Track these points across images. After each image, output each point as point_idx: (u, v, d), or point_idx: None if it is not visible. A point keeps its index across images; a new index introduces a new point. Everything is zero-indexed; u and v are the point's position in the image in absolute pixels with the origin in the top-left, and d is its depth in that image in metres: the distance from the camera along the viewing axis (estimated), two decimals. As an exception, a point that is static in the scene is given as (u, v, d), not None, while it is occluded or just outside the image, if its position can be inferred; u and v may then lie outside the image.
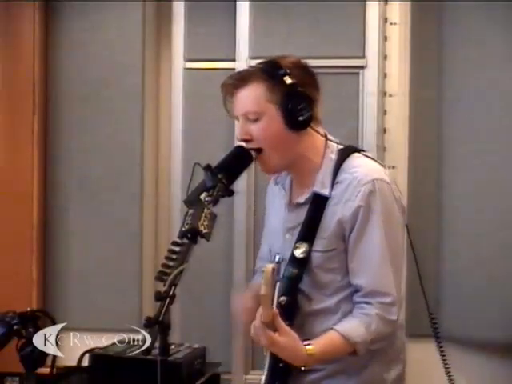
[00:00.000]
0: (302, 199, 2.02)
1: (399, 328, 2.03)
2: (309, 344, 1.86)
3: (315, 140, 2.01)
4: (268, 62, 2.00)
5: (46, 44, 3.29)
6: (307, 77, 1.98)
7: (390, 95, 3.15)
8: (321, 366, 1.95)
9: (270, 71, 1.94)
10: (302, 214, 2.00)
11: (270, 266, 1.77)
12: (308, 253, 1.95)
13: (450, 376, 2.23)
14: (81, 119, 3.27)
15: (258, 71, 1.96)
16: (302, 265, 1.96)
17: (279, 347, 1.83)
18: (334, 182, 1.96)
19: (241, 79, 1.96)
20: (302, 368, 1.88)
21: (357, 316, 1.92)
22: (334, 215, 1.94)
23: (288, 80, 1.92)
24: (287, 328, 1.83)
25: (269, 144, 1.95)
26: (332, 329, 1.91)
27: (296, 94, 1.92)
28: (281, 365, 1.92)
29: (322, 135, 2.02)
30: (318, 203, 1.97)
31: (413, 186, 3.18)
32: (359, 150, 2.06)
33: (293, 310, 1.95)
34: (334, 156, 2.00)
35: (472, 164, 3.02)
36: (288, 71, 1.93)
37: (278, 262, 2.00)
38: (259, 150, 1.97)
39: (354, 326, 1.90)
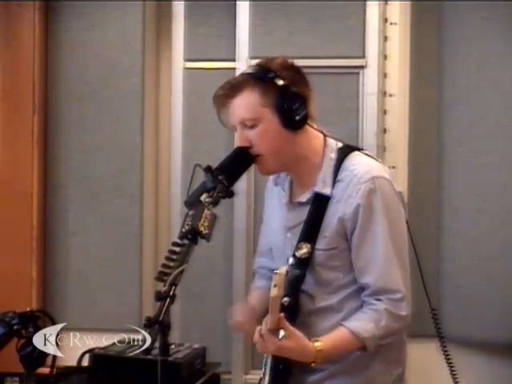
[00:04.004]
0: (303, 198, 2.02)
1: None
2: (317, 341, 1.87)
3: (313, 138, 2.02)
4: (256, 66, 2.00)
5: (46, 44, 3.29)
6: (297, 76, 1.98)
7: (390, 95, 3.15)
8: (323, 367, 1.96)
9: (260, 76, 1.95)
10: (303, 213, 2.00)
11: (284, 269, 1.77)
12: (310, 253, 1.95)
13: (453, 371, 2.23)
14: (81, 119, 3.27)
15: (249, 77, 1.96)
16: (304, 265, 1.96)
17: (287, 351, 1.85)
18: (334, 181, 1.97)
19: (232, 88, 1.96)
20: (312, 364, 1.88)
21: (366, 312, 1.93)
22: (335, 213, 1.95)
23: (279, 82, 1.92)
24: (292, 329, 1.84)
25: (269, 148, 1.96)
26: (341, 325, 1.91)
27: (289, 94, 1.93)
28: (281, 366, 1.93)
29: (319, 132, 2.03)
30: (320, 203, 1.97)
31: (413, 186, 3.18)
32: (358, 149, 2.07)
33: (295, 310, 1.95)
34: (333, 155, 2.01)
35: (472, 164, 3.02)
36: (278, 73, 1.93)
37: (292, 265, 2.00)
38: (259, 154, 1.97)
39: (362, 322, 1.90)
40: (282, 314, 1.82)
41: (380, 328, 1.89)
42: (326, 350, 1.86)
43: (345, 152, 2.02)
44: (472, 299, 3.00)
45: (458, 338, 3.01)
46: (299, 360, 1.89)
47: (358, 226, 1.93)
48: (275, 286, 1.75)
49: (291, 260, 1.99)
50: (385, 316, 1.90)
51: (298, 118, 1.93)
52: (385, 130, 3.14)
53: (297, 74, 1.98)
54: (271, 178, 2.19)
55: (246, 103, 1.95)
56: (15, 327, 2.04)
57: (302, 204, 2.02)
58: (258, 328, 1.85)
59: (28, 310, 2.11)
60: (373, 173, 1.95)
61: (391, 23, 3.15)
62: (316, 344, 1.86)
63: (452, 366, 2.22)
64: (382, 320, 1.90)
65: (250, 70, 2.01)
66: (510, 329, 2.93)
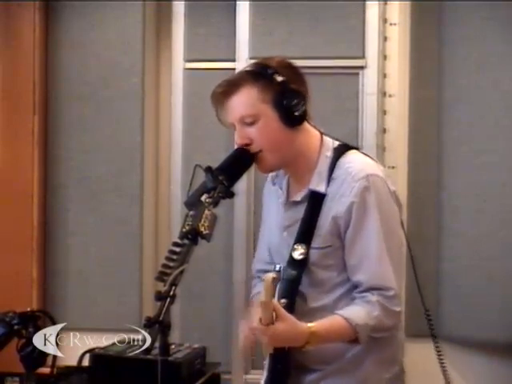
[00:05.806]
0: (298, 197, 2.02)
1: (398, 327, 2.03)
2: (310, 322, 1.85)
3: (310, 136, 2.02)
4: (254, 64, 2.01)
5: (46, 44, 3.29)
6: (295, 74, 1.99)
7: (390, 95, 3.15)
8: (319, 367, 1.97)
9: (259, 72, 1.95)
10: (299, 212, 2.00)
11: (271, 276, 1.76)
12: (306, 254, 1.96)
13: (445, 373, 2.23)
14: (81, 119, 3.27)
15: (247, 74, 1.97)
16: (300, 266, 1.96)
17: (280, 335, 1.81)
18: (329, 179, 1.97)
19: (231, 85, 1.96)
20: (306, 346, 1.85)
21: (358, 303, 1.92)
22: (329, 212, 1.95)
23: (279, 78, 1.93)
24: (284, 311, 1.82)
25: (269, 144, 1.96)
26: (334, 314, 1.91)
27: (289, 90, 1.93)
28: (279, 367, 1.94)
29: (316, 130, 2.04)
30: (315, 201, 1.98)
31: (413, 186, 3.18)
32: (355, 148, 2.07)
33: (292, 311, 1.94)
34: (329, 153, 2.01)
35: (472, 164, 3.02)
36: (277, 70, 1.94)
37: (279, 271, 1.99)
38: (259, 152, 1.97)
39: (355, 311, 1.90)
40: (276, 299, 1.82)
41: (372, 318, 1.88)
42: (319, 331, 1.84)
43: (340, 150, 2.02)
44: (472, 299, 3.00)
45: (458, 337, 3.01)
46: (293, 344, 1.87)
47: (352, 224, 1.93)
48: (264, 291, 1.75)
49: (278, 267, 2.00)
50: (377, 308, 1.89)
51: (297, 113, 1.94)
52: (384, 130, 3.14)
53: (294, 73, 1.99)
54: (269, 178, 2.19)
55: (245, 100, 1.95)
56: (15, 327, 2.04)
57: (297, 203, 2.02)
58: (250, 325, 1.85)
59: (28, 309, 2.11)
60: (367, 171, 1.95)
61: (391, 23, 3.15)
62: (310, 324, 1.84)
63: (445, 370, 2.23)
64: (374, 311, 1.89)
65: (248, 68, 2.01)
66: (509, 329, 2.93)
